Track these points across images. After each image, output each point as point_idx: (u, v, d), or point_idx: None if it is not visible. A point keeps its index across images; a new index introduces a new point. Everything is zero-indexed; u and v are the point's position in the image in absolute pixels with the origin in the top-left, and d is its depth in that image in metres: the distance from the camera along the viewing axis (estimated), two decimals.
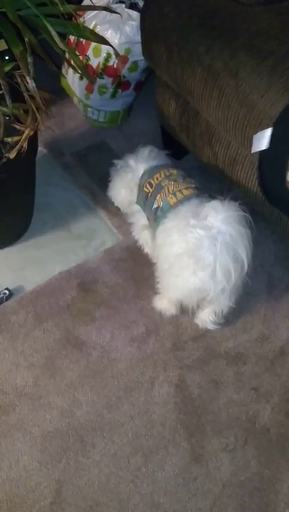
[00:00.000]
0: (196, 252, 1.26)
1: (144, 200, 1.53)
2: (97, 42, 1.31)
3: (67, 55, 1.36)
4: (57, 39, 1.15)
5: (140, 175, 1.57)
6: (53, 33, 1.14)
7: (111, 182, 1.69)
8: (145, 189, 1.52)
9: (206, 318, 1.52)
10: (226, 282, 1.30)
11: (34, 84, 1.20)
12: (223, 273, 1.27)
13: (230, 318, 1.55)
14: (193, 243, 1.26)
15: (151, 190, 1.50)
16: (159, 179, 1.49)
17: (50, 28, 1.13)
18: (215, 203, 1.29)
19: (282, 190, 1.35)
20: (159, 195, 1.46)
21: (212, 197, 1.35)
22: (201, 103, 1.50)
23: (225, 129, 1.48)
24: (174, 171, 1.52)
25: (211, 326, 1.53)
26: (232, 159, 1.57)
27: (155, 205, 1.47)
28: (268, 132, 1.30)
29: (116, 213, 1.81)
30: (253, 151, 1.37)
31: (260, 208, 1.56)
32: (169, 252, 1.35)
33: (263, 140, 1.32)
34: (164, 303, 1.55)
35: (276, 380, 1.49)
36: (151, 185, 1.51)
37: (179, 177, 1.49)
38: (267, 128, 1.30)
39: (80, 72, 1.32)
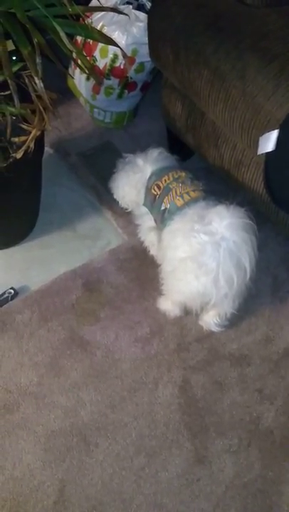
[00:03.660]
0: (199, 257, 1.26)
1: (152, 202, 1.53)
2: (105, 43, 1.32)
3: (74, 56, 1.36)
4: (65, 40, 1.15)
5: (148, 176, 1.57)
6: (62, 34, 1.14)
7: (116, 175, 1.67)
8: (153, 191, 1.52)
9: (210, 320, 1.52)
10: (228, 288, 1.30)
11: (42, 85, 1.20)
12: (225, 279, 1.27)
13: (234, 320, 1.55)
14: (196, 248, 1.26)
15: (159, 193, 1.50)
16: (167, 181, 1.50)
17: (58, 29, 1.14)
18: (220, 208, 1.29)
19: (288, 192, 1.35)
20: (166, 198, 1.47)
21: (219, 201, 1.35)
22: (207, 105, 1.51)
23: (231, 131, 1.48)
24: (182, 174, 1.52)
25: (214, 328, 1.54)
26: (238, 161, 1.58)
27: (162, 207, 1.47)
28: (274, 134, 1.30)
29: (121, 213, 1.81)
30: (259, 153, 1.37)
31: (265, 209, 1.56)
32: (173, 255, 1.35)
33: (269, 142, 1.32)
34: (169, 304, 1.56)
35: (280, 381, 1.49)
36: (159, 187, 1.51)
37: (187, 179, 1.50)
38: (273, 130, 1.30)
39: (87, 72, 1.33)
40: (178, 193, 1.44)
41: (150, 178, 1.56)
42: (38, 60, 1.15)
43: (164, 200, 1.47)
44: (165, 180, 1.50)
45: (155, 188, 1.52)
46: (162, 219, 1.47)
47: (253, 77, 1.33)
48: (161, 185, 1.50)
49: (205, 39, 1.44)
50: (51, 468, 1.32)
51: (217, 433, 1.40)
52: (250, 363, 1.52)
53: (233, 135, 1.49)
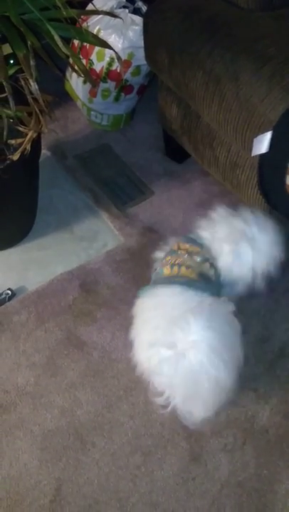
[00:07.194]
0: (154, 374, 1.18)
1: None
2: (100, 46, 1.33)
3: (70, 60, 1.38)
4: (60, 43, 1.17)
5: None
6: (56, 37, 1.16)
7: None
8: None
9: None
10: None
11: (37, 87, 1.22)
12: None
13: None
14: (153, 364, 1.15)
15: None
16: (181, 246, 1.36)
17: (52, 32, 1.15)
18: (188, 317, 1.11)
19: (282, 193, 1.36)
20: (167, 257, 1.35)
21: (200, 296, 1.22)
22: (202, 107, 1.52)
23: (226, 133, 1.49)
24: (196, 249, 1.35)
25: None
26: (233, 162, 1.59)
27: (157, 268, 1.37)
28: (268, 136, 1.32)
29: (118, 215, 1.82)
30: (253, 155, 1.38)
31: (260, 211, 1.57)
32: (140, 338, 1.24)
33: (263, 143, 1.34)
34: None
35: (275, 381, 1.50)
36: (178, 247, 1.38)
37: (195, 256, 1.32)
38: (267, 131, 1.32)
39: (82, 75, 1.34)
40: (170, 260, 1.32)
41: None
42: (33, 62, 1.16)
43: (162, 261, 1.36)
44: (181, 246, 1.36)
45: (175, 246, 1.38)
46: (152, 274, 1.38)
47: (247, 79, 1.35)
48: (175, 247, 1.37)
49: (199, 42, 1.46)
50: (48, 468, 1.33)
51: (212, 432, 1.40)
52: (245, 362, 1.53)
53: (228, 137, 1.51)
